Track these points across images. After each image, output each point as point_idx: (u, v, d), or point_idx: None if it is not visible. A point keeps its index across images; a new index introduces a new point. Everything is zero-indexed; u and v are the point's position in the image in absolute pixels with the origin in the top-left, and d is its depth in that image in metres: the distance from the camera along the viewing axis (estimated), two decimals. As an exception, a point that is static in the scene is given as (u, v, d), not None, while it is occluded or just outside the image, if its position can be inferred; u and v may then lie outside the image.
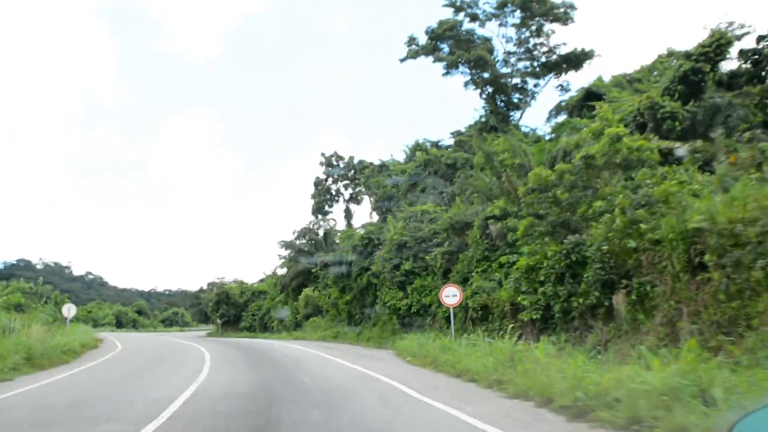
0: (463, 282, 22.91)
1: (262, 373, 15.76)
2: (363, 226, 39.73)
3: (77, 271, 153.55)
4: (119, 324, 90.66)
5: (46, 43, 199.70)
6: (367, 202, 68.05)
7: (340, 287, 38.45)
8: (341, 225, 59.95)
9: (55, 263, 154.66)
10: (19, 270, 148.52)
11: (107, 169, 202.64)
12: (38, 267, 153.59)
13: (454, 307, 21.07)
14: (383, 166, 43.49)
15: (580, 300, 15.56)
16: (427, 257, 26.59)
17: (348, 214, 62.10)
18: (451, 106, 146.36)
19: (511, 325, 18.59)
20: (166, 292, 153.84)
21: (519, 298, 18.00)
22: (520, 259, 18.59)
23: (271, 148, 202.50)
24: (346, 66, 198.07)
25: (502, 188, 23.39)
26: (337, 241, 53.27)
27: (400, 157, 44.34)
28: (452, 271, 25.39)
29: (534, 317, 17.19)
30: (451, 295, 20.91)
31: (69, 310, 33.81)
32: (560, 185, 16.93)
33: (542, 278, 17.13)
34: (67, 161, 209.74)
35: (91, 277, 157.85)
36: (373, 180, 41.44)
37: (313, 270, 50.38)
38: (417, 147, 41.73)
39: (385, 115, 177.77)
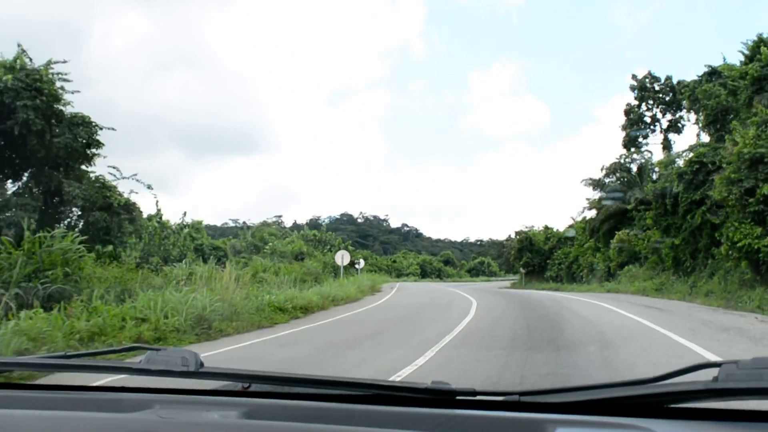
0: None
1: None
2: (691, 149, 30.98)
3: (394, 224, 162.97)
4: (423, 274, 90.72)
5: (359, 11, 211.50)
6: (689, 129, 56.90)
7: (662, 228, 30.52)
8: (658, 158, 50.43)
9: (374, 216, 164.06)
10: (343, 224, 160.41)
11: (416, 125, 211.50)
12: (359, 221, 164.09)
13: None
14: (714, 73, 33.76)
15: None
16: (798, 175, 18.01)
17: (667, 144, 52.18)
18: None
19: None
20: (478, 242, 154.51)
21: None
22: None
23: (578, 89, 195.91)
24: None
25: None
26: (655, 175, 44.48)
27: (736, 61, 34.11)
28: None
29: None
30: None
31: (342, 257, 31.30)
32: None
33: None
34: (377, 120, 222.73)
35: (407, 228, 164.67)
36: (701, 89, 32.13)
37: (628, 209, 42.45)
38: (761, 42, 31.33)
39: (702, 32, 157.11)
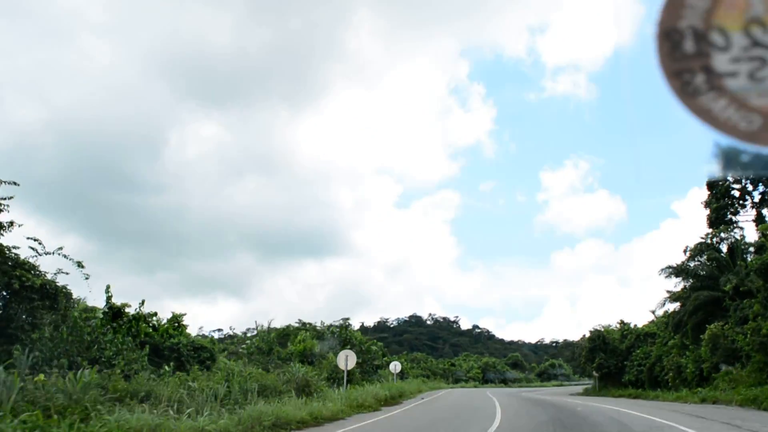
0: None
1: None
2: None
3: (465, 325, 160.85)
4: (486, 379, 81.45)
5: (429, 113, 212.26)
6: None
7: (774, 315, 22.66)
8: (752, 237, 41.95)
9: (444, 318, 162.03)
10: (411, 326, 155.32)
11: (487, 225, 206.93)
12: (428, 323, 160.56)
13: None
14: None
15: None
16: None
17: (761, 220, 43.81)
18: None
19: None
20: (553, 344, 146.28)
21: None
22: None
23: (654, 183, 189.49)
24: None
25: None
26: (750, 257, 36.53)
27: None
28: None
29: None
30: None
31: (347, 359, 24.26)
32: None
33: None
34: (447, 221, 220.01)
35: (478, 330, 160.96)
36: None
37: (722, 297, 34.40)
38: None
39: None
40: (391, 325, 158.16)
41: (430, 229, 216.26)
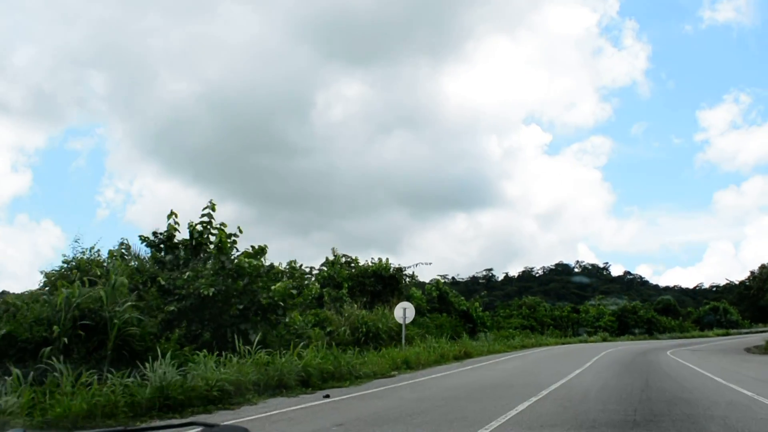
0: None
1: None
2: None
3: (616, 272, 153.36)
4: (623, 328, 65.17)
5: (580, 53, 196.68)
6: None
7: None
8: None
9: (593, 265, 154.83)
10: (558, 275, 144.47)
11: (642, 169, 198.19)
12: (576, 270, 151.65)
13: None
14: None
15: None
16: None
17: None
18: None
19: None
20: (713, 288, 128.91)
21: None
22: None
23: None
24: None
25: None
26: None
27: None
28: None
29: None
30: None
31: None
32: None
33: None
34: (599, 166, 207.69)
35: (630, 276, 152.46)
36: None
37: None
38: None
39: None
40: (537, 275, 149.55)
41: (581, 176, 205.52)
